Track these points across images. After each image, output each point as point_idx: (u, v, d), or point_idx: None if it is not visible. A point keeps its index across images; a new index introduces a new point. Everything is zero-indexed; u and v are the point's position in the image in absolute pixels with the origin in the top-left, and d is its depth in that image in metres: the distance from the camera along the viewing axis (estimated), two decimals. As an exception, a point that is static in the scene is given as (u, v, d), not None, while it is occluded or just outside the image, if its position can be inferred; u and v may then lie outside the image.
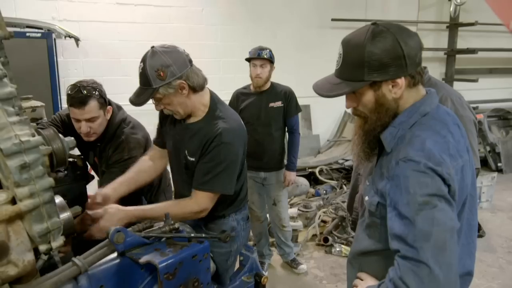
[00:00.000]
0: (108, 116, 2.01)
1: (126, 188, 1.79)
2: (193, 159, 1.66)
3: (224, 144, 1.57)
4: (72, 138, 1.16)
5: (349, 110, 4.60)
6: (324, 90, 1.16)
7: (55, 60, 3.93)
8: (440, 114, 1.14)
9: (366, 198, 1.24)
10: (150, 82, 1.53)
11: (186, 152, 1.68)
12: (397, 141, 1.12)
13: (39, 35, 3.74)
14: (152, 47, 1.57)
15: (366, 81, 1.08)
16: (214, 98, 1.71)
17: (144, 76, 1.54)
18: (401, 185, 1.03)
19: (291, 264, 3.34)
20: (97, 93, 1.91)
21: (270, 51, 2.95)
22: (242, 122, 1.74)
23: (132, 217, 1.54)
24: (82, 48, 4.27)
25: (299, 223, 3.80)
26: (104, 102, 1.97)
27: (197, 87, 1.62)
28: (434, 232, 0.98)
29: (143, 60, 1.55)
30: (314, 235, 3.85)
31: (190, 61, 1.62)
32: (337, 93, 1.12)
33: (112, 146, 2.01)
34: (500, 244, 3.79)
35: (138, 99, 1.57)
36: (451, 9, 6.09)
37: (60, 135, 1.14)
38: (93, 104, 1.89)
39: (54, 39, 3.91)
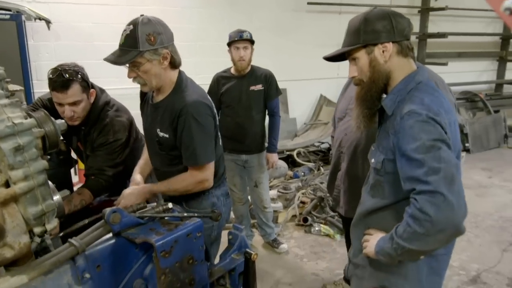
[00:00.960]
0: (92, 99, 1.98)
1: (148, 167, 1.95)
2: (166, 135, 1.71)
3: (191, 116, 1.62)
4: (63, 121, 1.16)
5: (326, 94, 4.65)
6: (328, 55, 1.43)
7: (26, 43, 3.78)
8: (431, 84, 1.34)
9: (372, 160, 1.40)
10: (137, 44, 1.54)
11: (157, 130, 1.73)
12: (398, 104, 1.30)
13: (7, 17, 3.59)
14: (142, 15, 1.60)
15: (361, 43, 1.32)
16: (181, 76, 1.75)
17: (132, 38, 1.55)
18: (408, 135, 1.20)
19: (273, 244, 3.42)
20: (79, 76, 1.87)
21: (249, 32, 2.96)
22: (206, 95, 1.79)
23: (147, 193, 1.73)
24: (53, 31, 4.12)
25: (279, 205, 3.89)
26: (87, 85, 1.93)
27: (176, 63, 1.69)
28: (442, 167, 1.14)
29: (134, 24, 1.56)
30: (294, 216, 3.95)
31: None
32: (338, 53, 1.39)
33: (96, 129, 1.99)
34: (468, 219, 3.89)
35: (120, 59, 1.56)
36: None
37: (52, 117, 1.13)
38: (76, 87, 1.85)
39: (24, 21, 3.76)
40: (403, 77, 1.33)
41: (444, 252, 1.44)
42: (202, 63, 4.74)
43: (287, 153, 5.27)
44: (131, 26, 1.57)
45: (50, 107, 2.04)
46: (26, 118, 1.01)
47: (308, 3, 5.60)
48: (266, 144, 3.21)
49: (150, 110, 1.80)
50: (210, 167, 1.71)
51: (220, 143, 1.89)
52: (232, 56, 2.98)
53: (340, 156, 2.23)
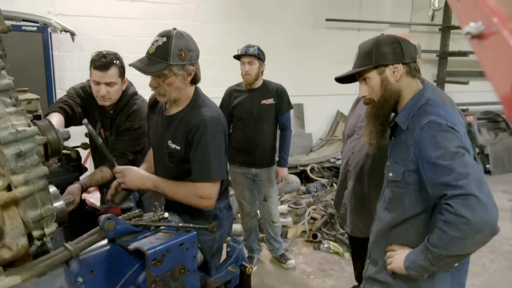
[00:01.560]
0: (124, 86, 2.16)
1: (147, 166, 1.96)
2: (178, 147, 1.71)
3: (208, 133, 1.63)
4: (67, 129, 1.21)
5: (343, 111, 4.64)
6: (340, 75, 1.51)
7: (51, 54, 3.96)
8: (439, 101, 1.42)
9: (390, 174, 1.44)
10: (168, 57, 1.57)
11: (169, 142, 1.73)
12: (412, 119, 1.37)
13: (34, 28, 3.77)
14: (174, 28, 1.63)
15: (373, 64, 1.40)
16: (198, 91, 1.78)
17: (164, 50, 1.57)
18: (431, 143, 1.26)
19: (280, 259, 3.40)
20: (118, 62, 2.09)
21: (258, 48, 3.00)
22: (222, 113, 1.79)
23: (149, 183, 1.70)
24: (77, 43, 4.30)
25: (289, 220, 3.87)
26: (123, 72, 2.13)
27: (197, 80, 1.74)
28: (470, 172, 1.19)
29: (168, 36, 1.59)
30: (303, 232, 3.92)
31: None
32: (351, 73, 1.47)
33: (124, 115, 2.16)
34: (485, 243, 3.86)
35: (149, 68, 1.58)
36: (429, 13, 6.05)
37: (55, 126, 1.19)
38: (114, 70, 2.07)
39: (50, 33, 3.95)
40: (412, 95, 1.42)
41: (463, 260, 1.44)
42: (221, 76, 4.81)
43: (301, 168, 5.26)
44: (164, 38, 1.59)
45: (83, 96, 2.22)
46: (29, 126, 1.07)
47: (327, 20, 5.65)
48: (277, 158, 3.21)
49: (161, 121, 1.82)
50: (217, 185, 1.67)
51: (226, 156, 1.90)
52: (241, 70, 3.03)
53: (347, 174, 2.23)
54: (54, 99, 4.06)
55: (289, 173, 4.86)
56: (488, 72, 0.52)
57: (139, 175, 1.73)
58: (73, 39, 4.18)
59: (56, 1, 4.25)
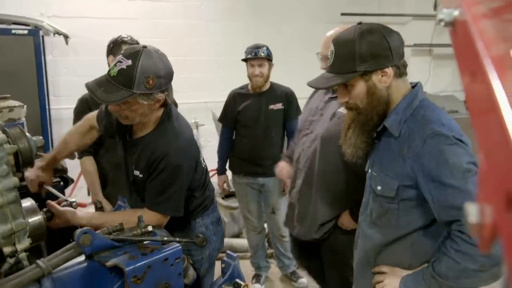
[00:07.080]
0: None
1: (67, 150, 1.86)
2: (141, 175, 1.65)
3: (173, 166, 1.58)
4: (41, 137, 1.24)
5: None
6: (319, 84, 1.38)
7: (43, 58, 4.05)
8: (433, 103, 1.33)
9: (379, 188, 1.35)
10: (132, 85, 1.44)
11: (133, 167, 1.68)
12: (405, 125, 1.28)
13: (25, 32, 3.87)
14: (145, 47, 1.50)
15: (357, 71, 1.27)
16: (168, 111, 1.68)
17: (127, 76, 1.44)
18: (437, 159, 1.17)
19: (291, 277, 3.37)
20: None
21: (267, 48, 3.00)
22: (193, 136, 1.72)
23: (86, 224, 1.49)
24: (72, 46, 4.38)
25: (301, 234, 3.83)
26: None
27: (168, 104, 1.63)
28: None
29: (134, 58, 1.45)
30: (318, 248, 3.87)
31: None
32: (331, 84, 1.34)
33: None
34: None
35: (108, 97, 1.44)
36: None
37: (28, 134, 1.22)
38: None
39: (42, 36, 4.04)
40: (401, 97, 1.32)
41: None
42: (227, 78, 4.83)
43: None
44: (130, 61, 1.44)
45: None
46: (-2, 134, 1.10)
47: (342, 14, 5.62)
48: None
49: (128, 144, 1.73)
50: (168, 218, 1.65)
51: (205, 172, 1.85)
52: (248, 72, 3.02)
53: (297, 172, 2.15)
54: (47, 106, 4.15)
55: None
56: (459, 63, 0.51)
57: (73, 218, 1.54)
58: (66, 42, 4.26)
59: (49, 3, 4.35)
